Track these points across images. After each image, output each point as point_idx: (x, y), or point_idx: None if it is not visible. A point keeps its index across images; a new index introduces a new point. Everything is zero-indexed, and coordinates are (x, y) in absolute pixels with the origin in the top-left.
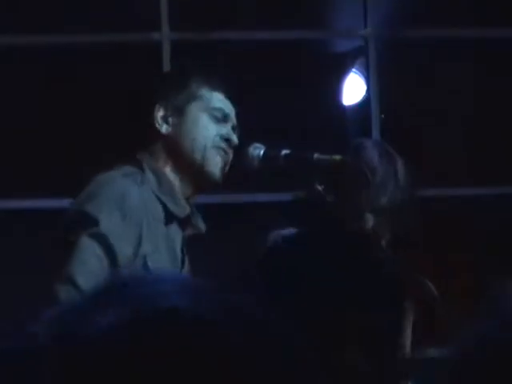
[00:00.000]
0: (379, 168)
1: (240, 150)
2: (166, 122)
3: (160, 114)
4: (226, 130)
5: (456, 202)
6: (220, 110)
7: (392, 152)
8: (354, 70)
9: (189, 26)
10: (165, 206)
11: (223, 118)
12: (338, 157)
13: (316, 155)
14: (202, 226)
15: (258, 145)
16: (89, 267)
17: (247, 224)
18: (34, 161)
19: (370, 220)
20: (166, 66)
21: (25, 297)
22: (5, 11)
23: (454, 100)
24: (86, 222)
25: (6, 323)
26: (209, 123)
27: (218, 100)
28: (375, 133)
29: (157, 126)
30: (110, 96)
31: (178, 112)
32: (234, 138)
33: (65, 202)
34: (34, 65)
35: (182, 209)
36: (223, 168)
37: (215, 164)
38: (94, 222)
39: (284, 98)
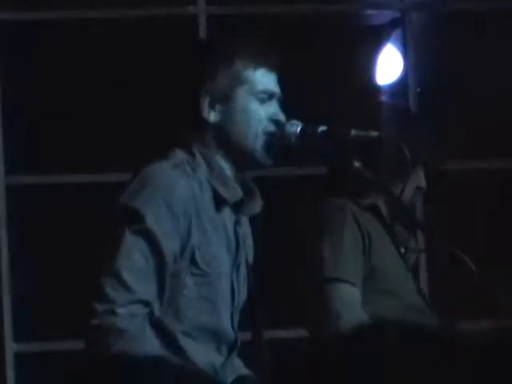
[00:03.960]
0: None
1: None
2: (213, 109)
3: (206, 101)
4: (273, 109)
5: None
6: (266, 91)
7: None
8: (390, 42)
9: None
10: (216, 192)
11: (269, 97)
12: (375, 133)
13: (353, 131)
14: (257, 206)
15: (294, 121)
16: (134, 263)
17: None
18: (74, 137)
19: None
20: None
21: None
22: None
23: (489, 77)
24: (133, 218)
25: None
26: (257, 107)
27: (264, 80)
28: (412, 106)
29: (204, 114)
30: (148, 72)
31: (225, 98)
32: (282, 117)
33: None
34: (70, 39)
35: (234, 193)
36: (273, 149)
37: (265, 149)
38: (141, 218)
39: (320, 72)
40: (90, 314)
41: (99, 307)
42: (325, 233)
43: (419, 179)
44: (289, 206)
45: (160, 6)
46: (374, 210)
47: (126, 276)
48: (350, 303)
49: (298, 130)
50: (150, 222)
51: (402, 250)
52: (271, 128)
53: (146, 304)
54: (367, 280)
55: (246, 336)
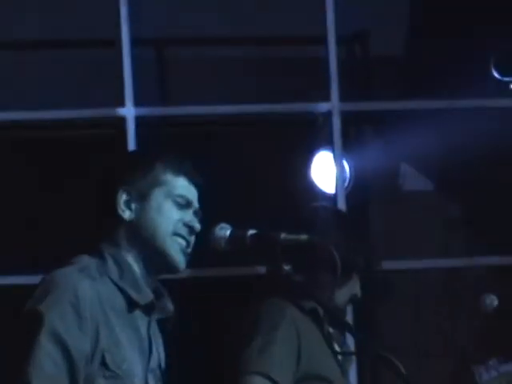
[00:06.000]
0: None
1: (207, 230)
2: (129, 208)
3: (123, 199)
4: (189, 216)
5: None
6: (183, 197)
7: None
8: (320, 144)
9: (154, 101)
10: (126, 295)
11: (186, 205)
12: (304, 236)
13: (283, 235)
14: (169, 308)
15: (224, 225)
16: (44, 371)
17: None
18: None
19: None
20: (131, 143)
21: None
22: None
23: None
24: (39, 323)
25: None
26: (172, 209)
27: (182, 186)
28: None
29: (120, 212)
30: (72, 173)
31: (142, 197)
32: (197, 225)
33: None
34: None
35: (145, 296)
36: (185, 253)
37: (176, 251)
38: (47, 323)
39: (249, 175)
40: None
41: None
42: (259, 330)
43: (356, 287)
44: (218, 308)
45: (89, 108)
46: (315, 314)
47: None
48: None
49: (228, 233)
50: (57, 326)
51: (339, 357)
52: (183, 232)
53: None
54: None
55: None
